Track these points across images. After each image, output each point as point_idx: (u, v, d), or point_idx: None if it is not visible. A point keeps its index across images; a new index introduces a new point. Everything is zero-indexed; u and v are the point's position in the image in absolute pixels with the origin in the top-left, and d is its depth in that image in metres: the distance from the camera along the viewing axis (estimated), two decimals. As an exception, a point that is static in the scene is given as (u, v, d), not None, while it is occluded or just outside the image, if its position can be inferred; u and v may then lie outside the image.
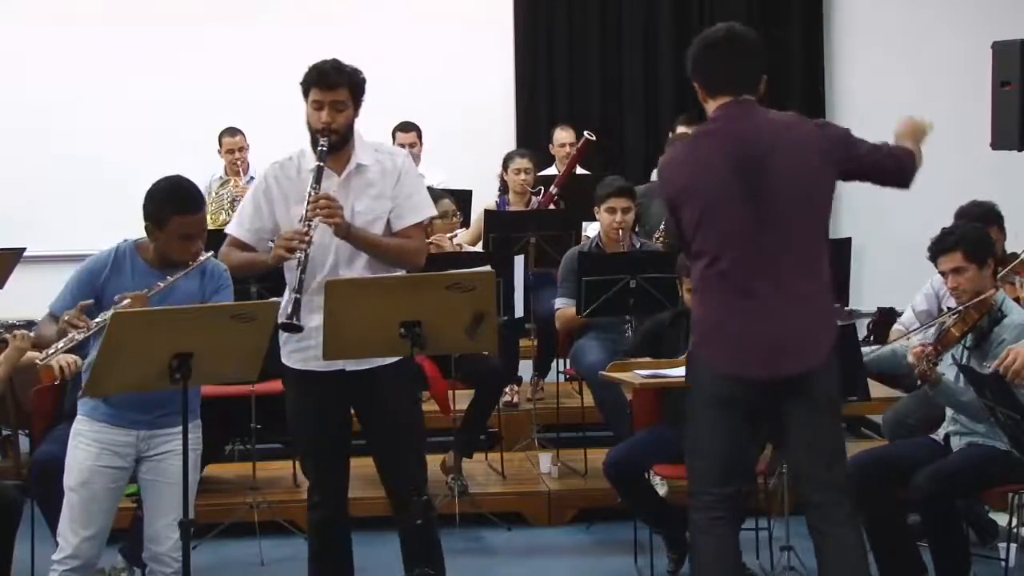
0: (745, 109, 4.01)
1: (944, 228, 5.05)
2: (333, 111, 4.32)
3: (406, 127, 8.65)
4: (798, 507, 5.63)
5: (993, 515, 5.71)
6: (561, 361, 7.26)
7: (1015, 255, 5.60)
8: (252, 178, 7.89)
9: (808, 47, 9.88)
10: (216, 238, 4.59)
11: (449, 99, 9.45)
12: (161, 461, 4.26)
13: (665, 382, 5.20)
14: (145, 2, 9.47)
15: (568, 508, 6.31)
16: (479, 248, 7.31)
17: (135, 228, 4.41)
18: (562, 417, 6.94)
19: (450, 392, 6.27)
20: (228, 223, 4.73)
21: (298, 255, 4.20)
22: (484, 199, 8.04)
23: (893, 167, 4.10)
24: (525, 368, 7.34)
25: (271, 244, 4.41)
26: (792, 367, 3.94)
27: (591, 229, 7.32)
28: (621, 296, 5.97)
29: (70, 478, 4.25)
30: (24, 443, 6.12)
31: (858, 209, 9.78)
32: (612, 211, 6.33)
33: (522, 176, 7.81)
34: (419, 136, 8.64)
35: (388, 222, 4.44)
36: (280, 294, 4.39)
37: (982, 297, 4.80)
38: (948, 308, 5.00)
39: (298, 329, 4.20)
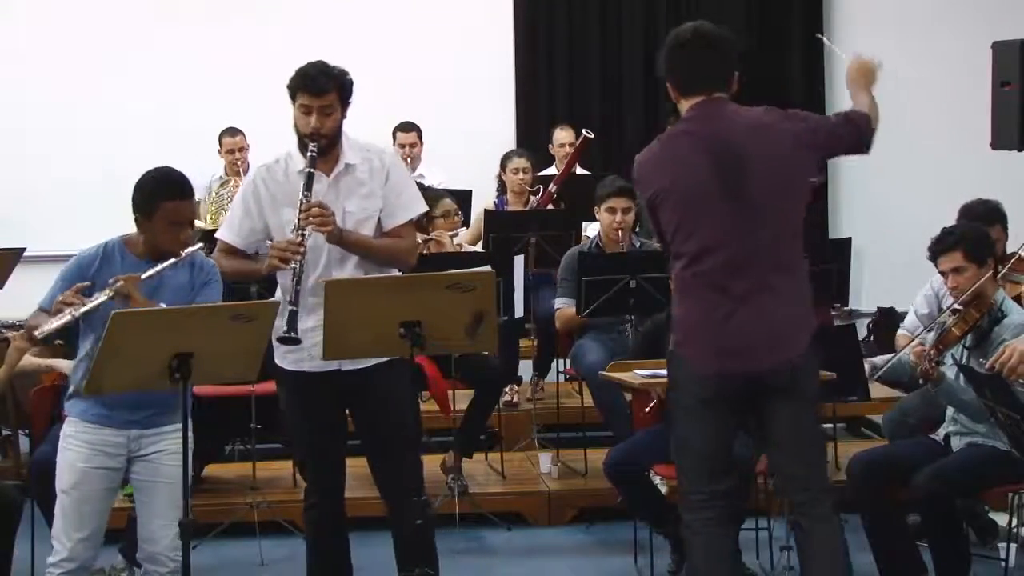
0: (719, 107, 4.03)
1: (944, 228, 5.05)
2: (322, 116, 4.31)
3: (406, 127, 8.66)
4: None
5: (993, 515, 5.71)
6: (561, 361, 7.26)
7: (1015, 254, 5.60)
8: (252, 178, 7.89)
9: (808, 47, 9.87)
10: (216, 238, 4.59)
11: (449, 99, 9.45)
12: (153, 461, 4.23)
13: (665, 382, 5.19)
14: (146, 2, 9.48)
15: (568, 508, 6.30)
16: (479, 248, 7.31)
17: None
18: (562, 417, 6.93)
19: (450, 392, 6.27)
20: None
21: (292, 265, 4.20)
22: (484, 199, 8.05)
23: (852, 134, 4.09)
24: (525, 368, 7.33)
25: (267, 245, 4.41)
26: (771, 360, 3.95)
27: (591, 229, 7.32)
28: (621, 296, 5.97)
29: (61, 481, 4.22)
30: (24, 443, 6.12)
31: (858, 209, 9.81)
32: (612, 211, 6.33)
33: (520, 176, 7.82)
34: (419, 136, 8.66)
35: (379, 220, 4.45)
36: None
37: (977, 286, 4.80)
38: (949, 308, 4.99)
39: (296, 342, 4.20)
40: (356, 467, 4.66)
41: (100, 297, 4.04)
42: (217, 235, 4.57)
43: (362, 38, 9.41)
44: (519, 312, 6.22)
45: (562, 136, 8.68)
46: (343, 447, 4.59)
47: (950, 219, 5.46)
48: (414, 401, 4.65)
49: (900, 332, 5.74)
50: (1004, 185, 6.66)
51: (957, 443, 5.01)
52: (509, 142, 9.17)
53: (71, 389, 4.29)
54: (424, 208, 4.64)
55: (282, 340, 4.21)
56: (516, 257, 6.23)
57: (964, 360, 4.91)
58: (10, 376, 5.54)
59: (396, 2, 9.70)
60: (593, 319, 6.22)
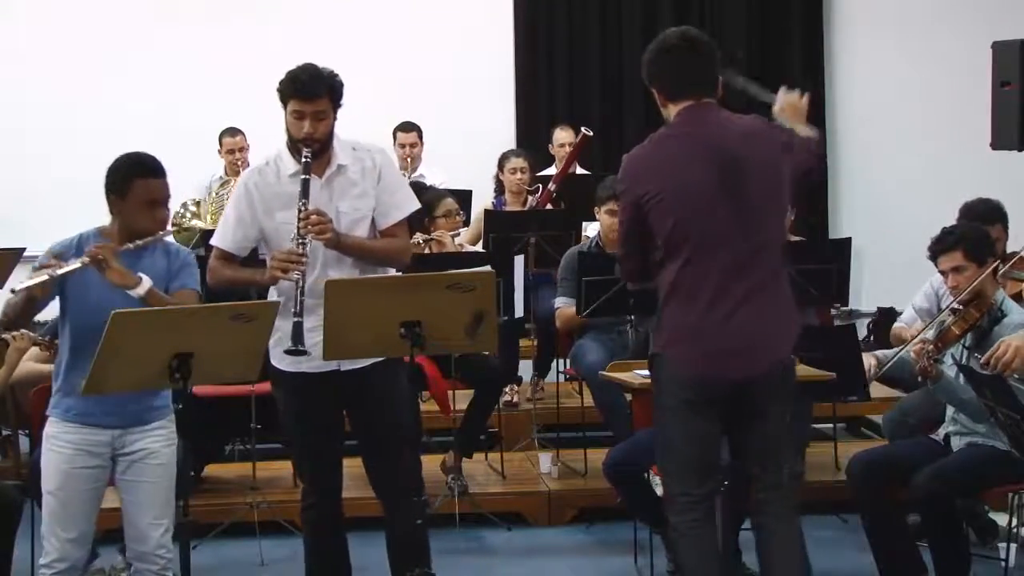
0: (711, 111, 4.05)
1: (944, 227, 5.06)
2: (315, 121, 4.30)
3: (407, 127, 8.66)
4: (798, 507, 5.65)
5: (993, 515, 5.71)
6: (561, 361, 7.26)
7: (1015, 254, 5.59)
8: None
9: (808, 47, 9.88)
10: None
11: (449, 99, 9.45)
12: (137, 460, 4.21)
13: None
14: (146, 2, 9.48)
15: (568, 508, 6.30)
16: (479, 248, 7.31)
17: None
18: (562, 417, 6.94)
19: (450, 392, 6.27)
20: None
21: (295, 276, 4.20)
22: (484, 199, 8.05)
23: (813, 154, 4.14)
24: (525, 368, 7.34)
25: (263, 254, 4.41)
26: (769, 359, 3.99)
27: (591, 229, 7.32)
28: (621, 296, 5.96)
29: (47, 482, 4.21)
30: (24, 443, 6.12)
31: (858, 209, 9.80)
32: (613, 213, 6.32)
33: (518, 175, 7.83)
34: (420, 136, 8.66)
35: (372, 220, 4.45)
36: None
37: (976, 284, 4.80)
38: (948, 307, 5.00)
39: (304, 354, 4.19)
40: (355, 467, 4.66)
41: (75, 263, 4.00)
42: (212, 241, 4.55)
43: (362, 38, 9.41)
44: (519, 312, 6.22)
45: (562, 136, 8.69)
46: (340, 447, 4.59)
47: (950, 219, 5.46)
48: (414, 401, 4.65)
49: (897, 325, 5.73)
50: (1004, 185, 6.66)
51: (957, 443, 5.01)
52: (509, 142, 9.17)
53: (53, 388, 4.27)
54: (417, 205, 4.64)
55: (289, 352, 4.20)
56: (516, 257, 6.23)
57: (964, 360, 4.91)
58: (9, 376, 5.56)
59: (396, 2, 9.70)
60: (593, 319, 6.22)
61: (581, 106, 9.68)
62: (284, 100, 4.35)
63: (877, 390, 6.11)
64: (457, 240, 7.02)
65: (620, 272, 4.36)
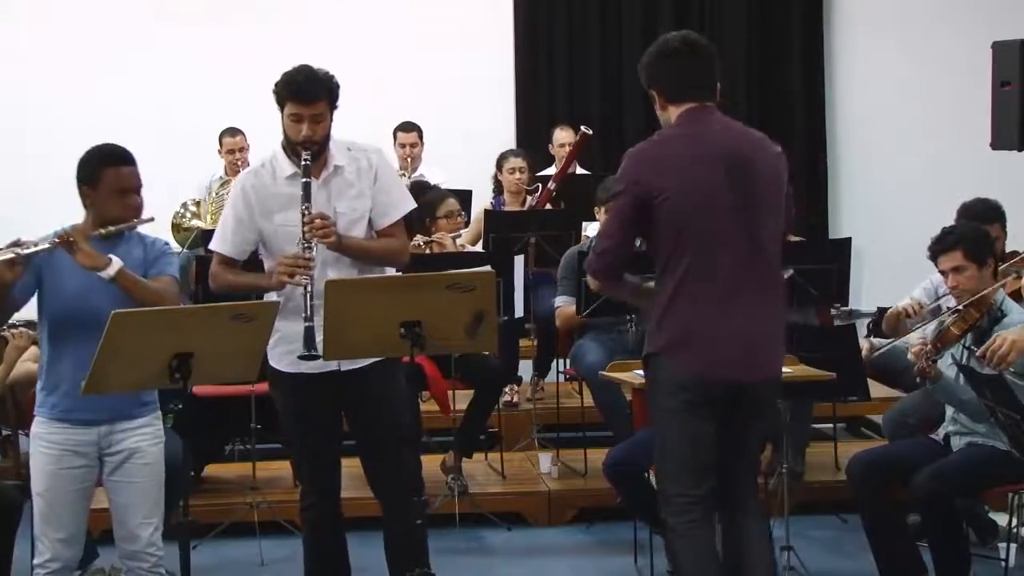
0: (714, 115, 4.05)
1: (944, 227, 5.06)
2: (313, 124, 4.29)
3: (407, 127, 8.67)
4: (798, 507, 5.66)
5: (993, 515, 5.71)
6: (561, 361, 7.26)
7: (1015, 253, 5.60)
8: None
9: (808, 47, 9.89)
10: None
11: (449, 99, 9.46)
12: (124, 460, 4.19)
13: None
14: (146, 2, 9.48)
15: (568, 508, 6.30)
16: (479, 248, 7.31)
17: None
18: (562, 417, 6.93)
19: (450, 392, 6.27)
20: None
21: (303, 281, 4.20)
22: (484, 199, 8.05)
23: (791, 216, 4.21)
24: (525, 368, 7.34)
25: (261, 256, 4.43)
26: (763, 372, 4.04)
27: (591, 229, 7.32)
28: (621, 296, 5.96)
29: (35, 484, 4.20)
30: (24, 443, 6.12)
31: (858, 209, 9.81)
32: (612, 212, 6.32)
33: (517, 175, 7.83)
34: (420, 136, 8.66)
35: (369, 220, 4.45)
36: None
37: (981, 294, 4.80)
38: (948, 307, 4.99)
39: (316, 358, 4.18)
40: (354, 467, 4.67)
41: (44, 244, 4.00)
42: (211, 246, 4.53)
43: (362, 38, 9.42)
44: (519, 312, 6.22)
45: (562, 136, 8.69)
46: (339, 447, 4.59)
47: (950, 219, 5.46)
48: (413, 401, 4.65)
49: (891, 309, 5.68)
50: (1003, 185, 6.66)
51: (957, 443, 5.01)
52: (509, 142, 9.18)
53: (38, 386, 4.25)
54: (413, 205, 4.63)
55: (303, 358, 4.18)
56: (516, 257, 6.23)
57: (964, 360, 4.91)
58: (8, 373, 5.56)
59: (396, 2, 9.70)
60: (593, 319, 6.22)
61: (581, 106, 9.68)
62: (281, 102, 4.34)
63: (877, 390, 6.11)
64: (458, 241, 7.02)
65: (590, 265, 4.12)
